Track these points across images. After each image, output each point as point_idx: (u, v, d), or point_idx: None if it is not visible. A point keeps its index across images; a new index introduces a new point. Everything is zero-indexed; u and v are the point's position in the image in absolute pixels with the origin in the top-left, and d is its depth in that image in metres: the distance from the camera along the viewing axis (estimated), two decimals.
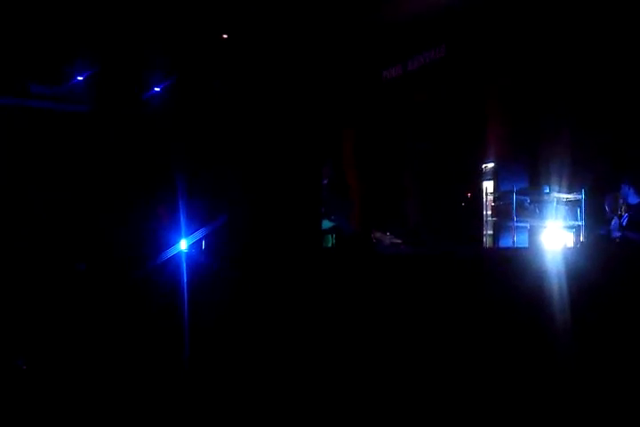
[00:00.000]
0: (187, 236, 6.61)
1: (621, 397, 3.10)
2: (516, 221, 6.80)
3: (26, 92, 8.94)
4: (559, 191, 6.91)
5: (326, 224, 7.42)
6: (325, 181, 7.71)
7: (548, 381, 3.32)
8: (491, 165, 8.09)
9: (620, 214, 6.22)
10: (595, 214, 6.74)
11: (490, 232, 7.64)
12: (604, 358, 3.27)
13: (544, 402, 3.23)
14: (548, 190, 6.92)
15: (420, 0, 8.02)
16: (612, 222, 6.00)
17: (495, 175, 7.78)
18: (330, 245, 7.42)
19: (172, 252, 6.11)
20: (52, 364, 4.06)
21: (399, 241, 7.37)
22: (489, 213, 7.69)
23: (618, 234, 5.91)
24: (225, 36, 7.93)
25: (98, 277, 6.00)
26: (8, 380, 3.81)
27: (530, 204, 6.99)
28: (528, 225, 6.97)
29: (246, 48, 7.95)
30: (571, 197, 6.91)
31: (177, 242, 6.43)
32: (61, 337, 4.51)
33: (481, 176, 8.07)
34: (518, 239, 6.88)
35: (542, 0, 7.02)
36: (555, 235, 6.85)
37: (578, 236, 6.83)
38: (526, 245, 6.90)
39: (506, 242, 7.11)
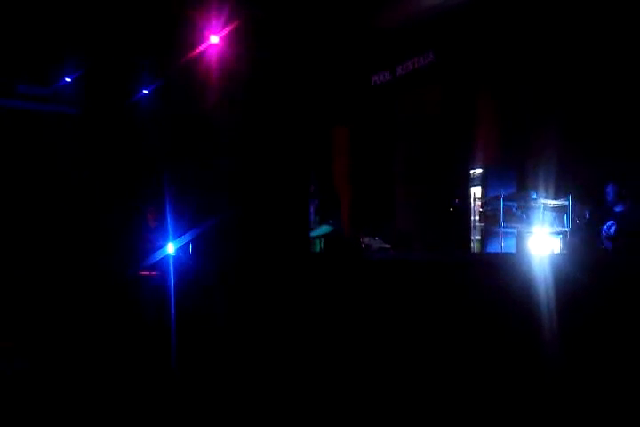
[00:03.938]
0: (174, 239, 6.58)
1: (607, 402, 3.11)
2: (504, 227, 6.84)
3: (13, 93, 8.88)
4: (546, 197, 6.95)
5: (325, 229, 7.41)
6: (315, 187, 7.70)
7: (534, 386, 3.33)
8: (479, 170, 8.13)
9: (598, 220, 6.25)
10: (578, 221, 6.80)
11: (477, 237, 7.67)
12: (590, 363, 3.29)
13: (531, 407, 3.23)
14: (535, 196, 6.97)
15: (409, 6, 8.07)
16: (603, 232, 6.00)
17: (483, 181, 7.81)
18: (318, 249, 7.42)
19: (159, 255, 6.08)
20: (47, 362, 4.03)
21: (388, 246, 7.38)
22: (477, 218, 7.72)
23: (609, 243, 5.93)
24: (215, 38, 7.91)
25: (88, 279, 5.97)
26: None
27: (517, 209, 7.02)
28: (515, 231, 7.01)
29: (237, 50, 7.94)
30: (557, 203, 6.96)
31: (164, 245, 6.40)
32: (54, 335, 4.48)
33: (469, 182, 8.10)
34: (505, 245, 6.91)
35: (531, 7, 7.07)
36: (542, 241, 6.89)
37: (565, 242, 6.88)
38: (513, 251, 6.93)
39: (493, 247, 7.13)
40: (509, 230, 6.96)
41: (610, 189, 6.08)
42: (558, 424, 3.15)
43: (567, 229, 6.84)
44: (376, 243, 7.34)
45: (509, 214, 6.88)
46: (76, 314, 5.01)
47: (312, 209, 7.55)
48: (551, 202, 6.96)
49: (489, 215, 7.15)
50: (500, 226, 6.82)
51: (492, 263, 4.61)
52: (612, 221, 5.94)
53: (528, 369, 3.46)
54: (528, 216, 6.94)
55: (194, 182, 7.85)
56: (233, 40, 7.96)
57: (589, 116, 6.79)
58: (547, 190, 6.92)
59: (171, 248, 6.17)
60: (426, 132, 8.88)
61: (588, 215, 6.64)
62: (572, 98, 6.95)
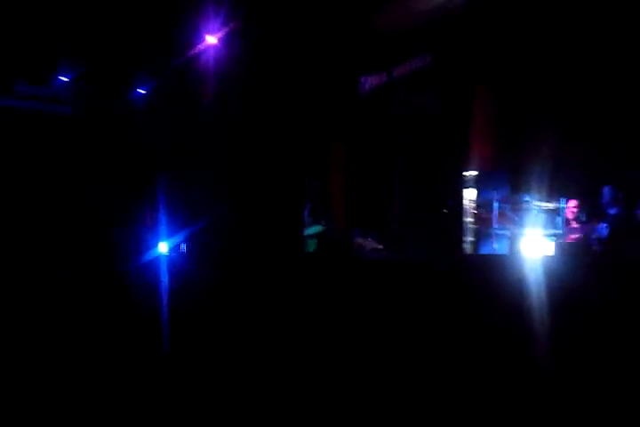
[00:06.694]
0: (167, 239, 6.58)
1: (600, 405, 3.13)
2: (497, 229, 6.86)
3: (11, 92, 8.87)
4: (539, 200, 6.98)
5: (316, 229, 7.43)
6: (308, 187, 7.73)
7: (526, 387, 3.34)
8: (473, 172, 8.14)
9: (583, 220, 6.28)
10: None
11: (470, 239, 7.68)
12: (582, 364, 3.30)
13: (524, 409, 3.25)
14: (528, 199, 6.99)
15: (404, 9, 8.09)
16: (595, 233, 6.04)
17: (477, 183, 7.83)
18: (312, 250, 7.43)
19: (152, 254, 6.08)
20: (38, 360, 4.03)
21: (381, 247, 7.39)
22: (470, 220, 7.74)
23: (600, 245, 5.96)
24: (210, 38, 7.92)
25: (83, 278, 5.97)
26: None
27: (510, 211, 7.05)
28: (508, 232, 7.03)
29: (232, 52, 7.96)
30: (551, 205, 6.98)
31: (157, 244, 6.40)
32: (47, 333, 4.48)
33: (462, 183, 8.11)
34: (499, 246, 6.93)
35: (526, 12, 7.10)
36: (534, 242, 6.91)
37: (557, 244, 6.89)
38: (506, 253, 6.95)
39: (486, 249, 7.15)
40: (502, 232, 6.98)
41: (606, 192, 6.13)
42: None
43: (560, 232, 6.87)
44: (369, 244, 7.35)
45: (502, 216, 6.91)
46: (69, 310, 5.01)
47: (306, 209, 7.57)
48: (544, 204, 6.98)
49: (482, 217, 7.17)
50: (493, 227, 6.84)
51: (484, 264, 4.63)
52: (604, 224, 5.98)
53: (519, 370, 3.48)
54: (521, 218, 6.96)
55: (189, 183, 7.86)
56: (228, 41, 7.98)
57: (584, 118, 6.83)
58: (540, 193, 6.95)
59: (164, 247, 6.18)
60: (420, 134, 8.90)
61: (584, 218, 6.68)
62: (566, 100, 6.99)
